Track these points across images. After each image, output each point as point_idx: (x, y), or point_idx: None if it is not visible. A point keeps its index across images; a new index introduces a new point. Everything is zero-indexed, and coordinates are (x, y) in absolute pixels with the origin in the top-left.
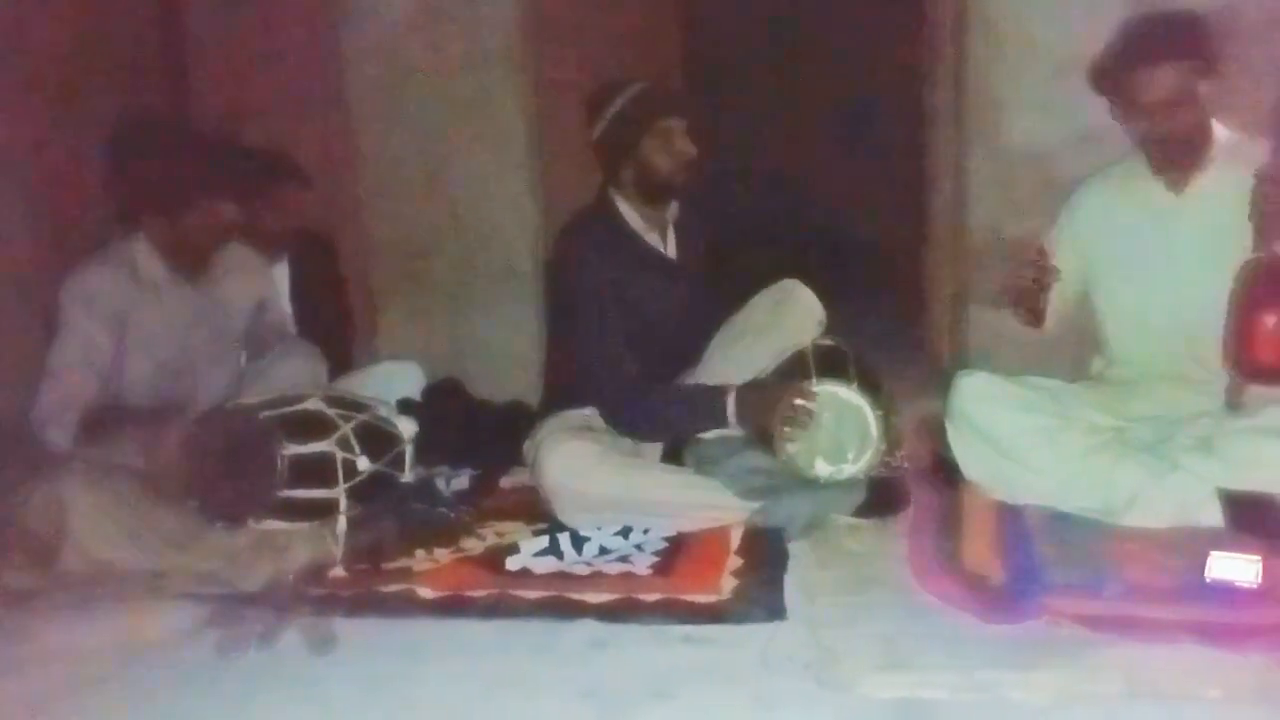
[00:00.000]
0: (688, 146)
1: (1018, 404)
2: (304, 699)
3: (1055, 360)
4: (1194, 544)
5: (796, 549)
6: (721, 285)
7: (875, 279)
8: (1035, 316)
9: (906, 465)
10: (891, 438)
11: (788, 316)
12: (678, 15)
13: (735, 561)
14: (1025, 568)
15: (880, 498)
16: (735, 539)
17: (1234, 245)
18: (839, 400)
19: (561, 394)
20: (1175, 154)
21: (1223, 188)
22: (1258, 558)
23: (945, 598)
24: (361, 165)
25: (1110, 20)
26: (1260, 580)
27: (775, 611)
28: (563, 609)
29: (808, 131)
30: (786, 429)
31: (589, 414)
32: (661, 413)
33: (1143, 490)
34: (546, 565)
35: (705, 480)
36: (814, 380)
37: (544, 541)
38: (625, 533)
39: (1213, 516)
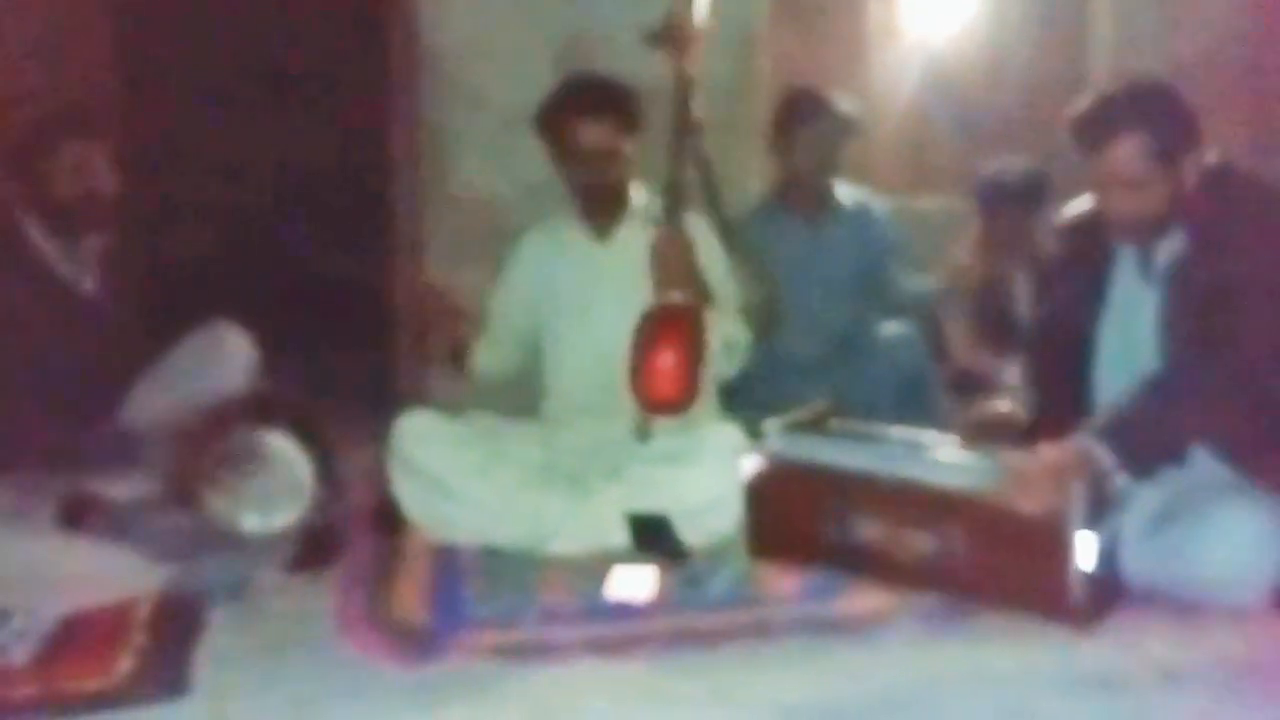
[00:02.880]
0: (93, 174)
1: (454, 440)
2: None
3: (513, 398)
4: (605, 566)
5: (216, 615)
6: (151, 326)
7: (345, 321)
8: (456, 354)
9: (346, 514)
10: (330, 485)
11: (214, 362)
12: (106, 16)
13: (139, 638)
14: (451, 606)
15: (314, 550)
16: (144, 611)
17: (647, 292)
18: (268, 449)
19: None
20: (601, 204)
21: (638, 240)
22: (650, 573)
23: (368, 649)
24: None
25: (556, 76)
26: (653, 593)
27: (175, 689)
28: None
29: (268, 162)
30: (212, 481)
31: None
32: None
33: (563, 518)
34: None
35: (111, 545)
36: (243, 429)
37: None
38: (4, 618)
39: (621, 538)
